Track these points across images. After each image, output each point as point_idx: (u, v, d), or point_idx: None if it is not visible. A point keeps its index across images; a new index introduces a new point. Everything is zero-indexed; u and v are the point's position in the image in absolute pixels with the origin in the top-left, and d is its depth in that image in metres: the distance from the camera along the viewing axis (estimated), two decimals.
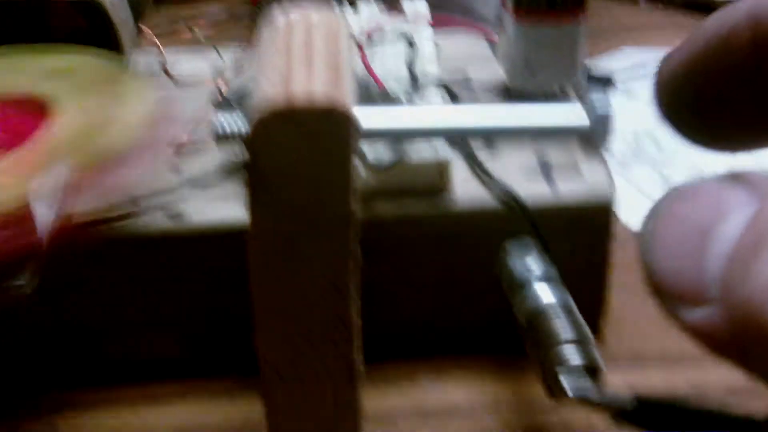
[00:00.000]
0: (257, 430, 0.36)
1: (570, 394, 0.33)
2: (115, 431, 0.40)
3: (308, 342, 0.33)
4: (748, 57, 0.25)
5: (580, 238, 0.40)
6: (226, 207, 0.39)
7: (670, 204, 0.18)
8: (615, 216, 0.40)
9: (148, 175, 0.40)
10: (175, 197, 0.39)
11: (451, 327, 0.42)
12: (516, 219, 0.39)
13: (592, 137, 0.34)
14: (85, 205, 0.39)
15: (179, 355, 0.42)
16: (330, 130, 0.28)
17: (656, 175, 0.51)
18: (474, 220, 0.39)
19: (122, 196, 0.39)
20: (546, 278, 0.38)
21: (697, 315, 0.17)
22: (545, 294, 0.37)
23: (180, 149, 0.42)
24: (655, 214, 0.18)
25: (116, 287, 0.40)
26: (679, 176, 0.51)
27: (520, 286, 0.37)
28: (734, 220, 0.17)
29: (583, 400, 0.34)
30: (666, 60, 0.29)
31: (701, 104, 0.28)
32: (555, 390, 0.34)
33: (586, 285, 0.40)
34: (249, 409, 0.39)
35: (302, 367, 0.33)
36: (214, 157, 0.40)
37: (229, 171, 0.39)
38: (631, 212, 0.49)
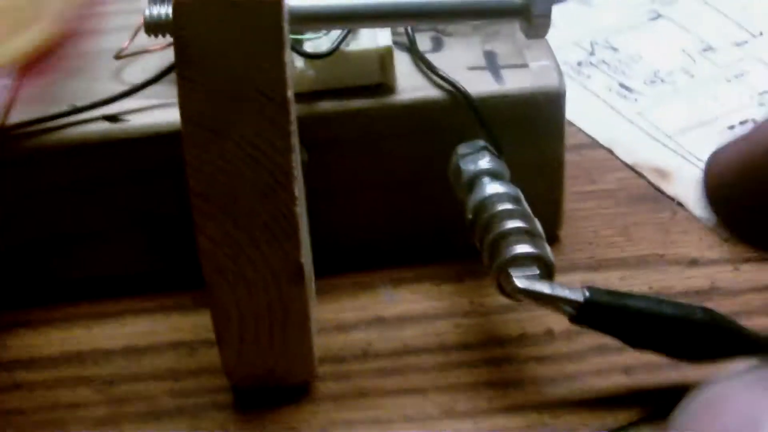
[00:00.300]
0: (209, 341, 0.36)
1: (519, 287, 0.33)
2: (67, 349, 0.40)
3: (251, 240, 0.32)
4: None
5: (529, 132, 0.39)
6: (167, 111, 0.38)
7: (697, 417, 0.16)
8: (564, 108, 0.39)
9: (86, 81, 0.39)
10: (115, 102, 0.39)
11: (405, 234, 0.42)
12: (463, 113, 0.38)
13: (532, 18, 0.33)
14: (20, 112, 0.38)
15: (128, 270, 0.42)
16: (258, 6, 0.27)
17: (614, 83, 0.50)
18: (419, 115, 0.38)
19: (60, 101, 0.38)
20: (497, 176, 0.37)
21: None
22: (494, 188, 0.36)
23: (120, 55, 0.41)
24: (681, 428, 0.16)
25: (58, 197, 0.39)
26: (637, 83, 0.50)
27: (470, 186, 0.37)
28: None
29: (534, 296, 0.33)
30: (715, 157, 0.28)
31: (751, 214, 0.26)
32: (505, 286, 0.33)
33: (540, 186, 0.40)
34: (201, 322, 0.39)
35: (246, 268, 0.32)
36: (155, 63, 0.39)
37: (170, 74, 0.38)
38: (588, 119, 0.48)
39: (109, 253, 0.41)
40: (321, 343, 0.38)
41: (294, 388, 0.36)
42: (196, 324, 0.40)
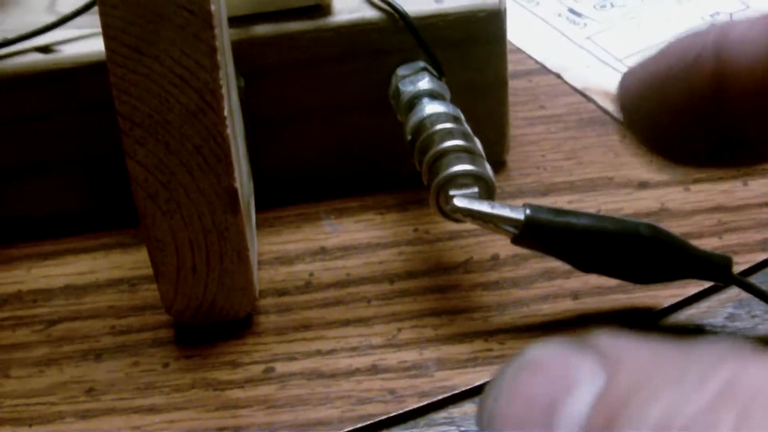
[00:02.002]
0: (150, 278, 0.35)
1: (458, 206, 0.32)
2: (6, 290, 0.39)
3: (182, 165, 0.31)
4: (709, 88, 0.24)
5: (471, 52, 0.38)
6: (101, 40, 0.37)
7: (514, 378, 0.16)
8: (505, 27, 0.38)
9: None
10: (47, 34, 0.37)
11: (348, 163, 0.41)
12: (402, 34, 0.37)
13: None
14: None
15: (66, 208, 0.41)
16: None
17: (563, 8, 0.49)
18: (357, 37, 0.37)
19: None
20: (436, 96, 0.36)
21: None
22: (433, 108, 0.35)
23: None
24: (497, 391, 0.16)
25: None
26: (587, 8, 0.49)
27: (409, 107, 0.36)
28: (582, 395, 0.16)
29: (474, 215, 0.32)
30: (628, 76, 0.28)
31: (660, 130, 0.26)
32: (443, 206, 0.33)
33: (484, 108, 0.39)
34: (142, 259, 0.38)
35: (179, 194, 0.32)
36: None
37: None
38: (537, 45, 0.47)
39: (47, 191, 0.40)
40: (263, 276, 0.38)
41: (236, 322, 0.36)
42: (137, 261, 0.39)
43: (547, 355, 0.17)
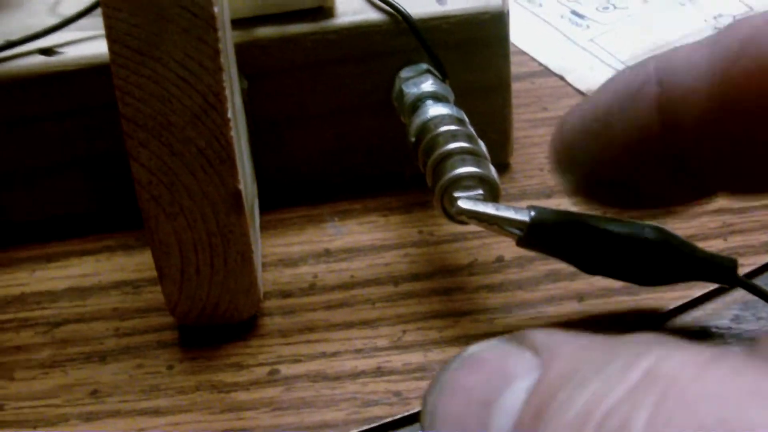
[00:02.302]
0: (154, 280, 0.35)
1: (463, 207, 0.32)
2: (10, 292, 0.39)
3: (186, 167, 0.31)
4: (654, 116, 0.24)
5: (474, 54, 0.38)
6: (103, 43, 0.37)
7: (453, 375, 0.17)
8: (508, 28, 0.38)
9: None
10: (50, 36, 0.37)
11: (351, 165, 0.41)
12: (406, 36, 0.37)
13: None
14: None
15: (69, 210, 0.41)
16: None
17: (566, 10, 0.49)
18: (360, 39, 0.37)
19: None
20: (440, 98, 0.36)
21: None
22: (437, 110, 0.35)
23: None
24: (437, 386, 0.17)
25: None
26: (590, 10, 0.49)
27: (413, 109, 0.36)
28: (516, 390, 0.16)
29: (478, 217, 0.32)
30: (567, 118, 0.27)
31: (601, 171, 0.26)
32: (448, 208, 0.33)
33: (488, 110, 0.39)
34: (146, 261, 0.38)
35: (183, 196, 0.32)
36: None
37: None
38: (540, 47, 0.47)
39: (50, 193, 0.40)
40: (267, 278, 0.38)
41: (240, 324, 0.36)
42: (140, 263, 0.39)
43: (485, 352, 0.17)
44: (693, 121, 0.23)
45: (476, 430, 0.16)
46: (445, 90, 0.37)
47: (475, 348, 0.17)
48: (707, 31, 0.47)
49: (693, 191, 0.27)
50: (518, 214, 0.32)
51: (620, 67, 0.46)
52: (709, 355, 0.14)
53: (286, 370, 0.34)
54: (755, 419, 0.13)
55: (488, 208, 0.32)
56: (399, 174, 0.40)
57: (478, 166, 0.32)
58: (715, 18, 0.48)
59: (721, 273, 0.33)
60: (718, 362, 0.14)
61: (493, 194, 0.33)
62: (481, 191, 0.32)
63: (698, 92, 0.23)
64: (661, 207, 0.30)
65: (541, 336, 0.17)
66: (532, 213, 0.32)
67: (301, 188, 0.41)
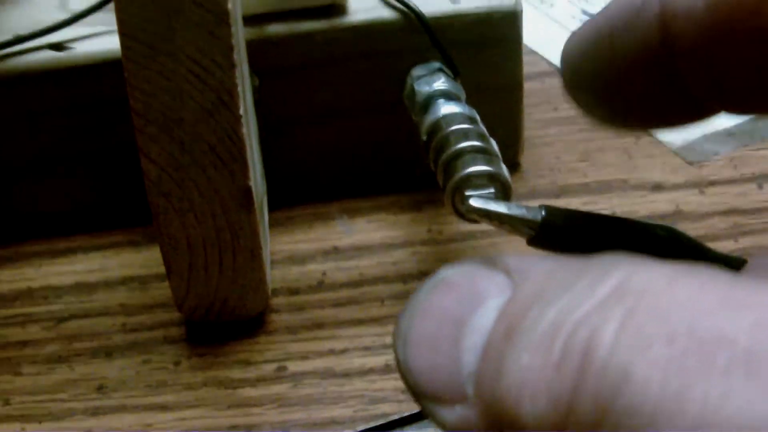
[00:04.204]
0: (161, 275, 0.35)
1: (474, 206, 0.32)
2: (17, 287, 0.39)
3: (196, 163, 0.31)
4: (655, 33, 0.24)
5: (486, 53, 0.38)
6: (114, 37, 0.37)
7: (425, 297, 0.17)
8: (521, 28, 0.38)
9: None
10: (60, 31, 0.37)
11: (361, 163, 0.41)
12: (418, 34, 0.37)
13: None
14: None
15: (76, 205, 0.41)
16: None
17: (577, 10, 0.49)
18: (372, 37, 0.37)
19: (3, 32, 0.37)
20: (452, 97, 0.36)
21: (455, 415, 0.16)
22: (448, 108, 0.35)
23: None
24: (410, 310, 0.17)
25: (3, 129, 0.38)
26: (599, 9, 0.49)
27: (424, 108, 0.36)
28: (488, 309, 0.16)
29: (490, 215, 0.32)
30: (573, 36, 0.28)
31: (604, 83, 0.26)
32: (459, 206, 0.32)
33: (499, 109, 0.39)
34: (153, 257, 0.38)
35: (192, 192, 0.31)
36: None
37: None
38: (550, 47, 0.47)
39: (58, 188, 0.40)
40: (275, 275, 0.37)
41: (248, 321, 0.35)
42: (147, 259, 0.39)
43: (457, 275, 0.17)
44: (691, 38, 0.24)
45: (448, 349, 0.16)
46: (457, 89, 0.37)
47: (446, 271, 0.17)
48: None
49: (692, 108, 0.27)
50: (530, 213, 0.31)
51: None
52: (679, 268, 0.15)
53: (293, 366, 0.34)
54: (724, 328, 0.13)
55: (500, 207, 0.32)
56: (409, 172, 0.40)
57: (489, 165, 0.32)
58: None
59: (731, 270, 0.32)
60: (688, 275, 0.14)
61: (504, 193, 0.33)
62: (492, 190, 0.32)
63: (696, 9, 0.23)
64: (663, 125, 0.30)
65: (513, 259, 0.17)
66: (544, 212, 0.31)
67: (311, 185, 0.41)
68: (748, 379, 0.13)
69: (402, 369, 0.17)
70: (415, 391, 0.17)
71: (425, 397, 0.16)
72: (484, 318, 0.16)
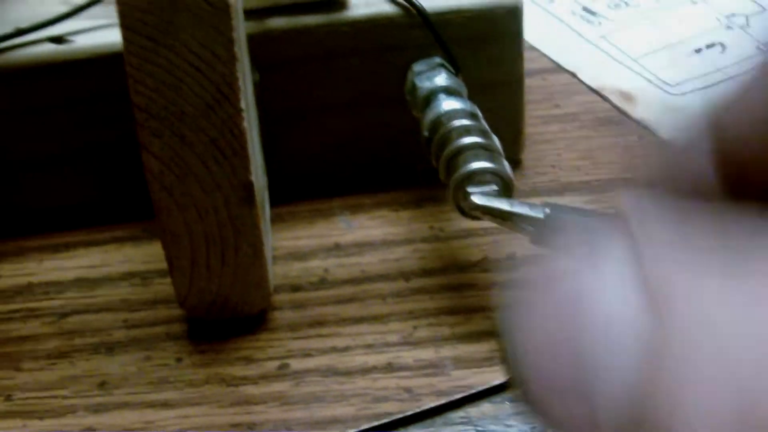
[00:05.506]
0: (163, 271, 0.35)
1: (477, 203, 0.32)
2: (18, 282, 0.38)
3: (198, 158, 0.31)
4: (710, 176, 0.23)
5: (487, 49, 0.38)
6: (115, 31, 0.36)
7: (529, 302, 0.15)
8: (522, 24, 0.38)
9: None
10: (60, 24, 0.37)
11: (362, 159, 0.40)
12: (419, 29, 0.37)
13: None
14: None
15: (78, 199, 0.41)
16: None
17: (577, 6, 0.49)
18: (373, 31, 0.37)
19: (4, 25, 0.37)
20: (453, 93, 0.36)
21: None
22: (450, 104, 0.35)
23: None
24: (516, 322, 0.15)
25: (4, 123, 0.38)
26: (601, 6, 0.49)
27: (426, 103, 0.36)
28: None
29: (492, 213, 0.32)
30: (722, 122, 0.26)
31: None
32: (462, 203, 0.32)
33: (500, 105, 0.39)
34: (154, 253, 0.37)
35: (194, 187, 0.31)
36: None
37: None
38: (551, 44, 0.47)
39: (59, 182, 0.40)
40: (277, 272, 0.37)
41: (250, 318, 0.35)
42: (149, 254, 0.39)
43: (562, 267, 0.15)
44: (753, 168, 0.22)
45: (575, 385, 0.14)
46: (458, 84, 0.36)
47: (548, 264, 0.15)
48: (720, 30, 0.47)
49: None
50: (533, 210, 0.31)
51: (632, 64, 0.46)
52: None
53: (296, 364, 0.34)
54: None
55: (503, 204, 0.32)
56: (410, 168, 0.40)
57: (492, 162, 0.32)
58: (727, 17, 0.48)
59: None
60: None
61: (506, 190, 0.33)
62: (495, 186, 0.32)
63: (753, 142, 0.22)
64: None
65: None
66: (547, 210, 0.31)
67: (312, 181, 0.41)
68: None
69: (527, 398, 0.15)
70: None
71: None
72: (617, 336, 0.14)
